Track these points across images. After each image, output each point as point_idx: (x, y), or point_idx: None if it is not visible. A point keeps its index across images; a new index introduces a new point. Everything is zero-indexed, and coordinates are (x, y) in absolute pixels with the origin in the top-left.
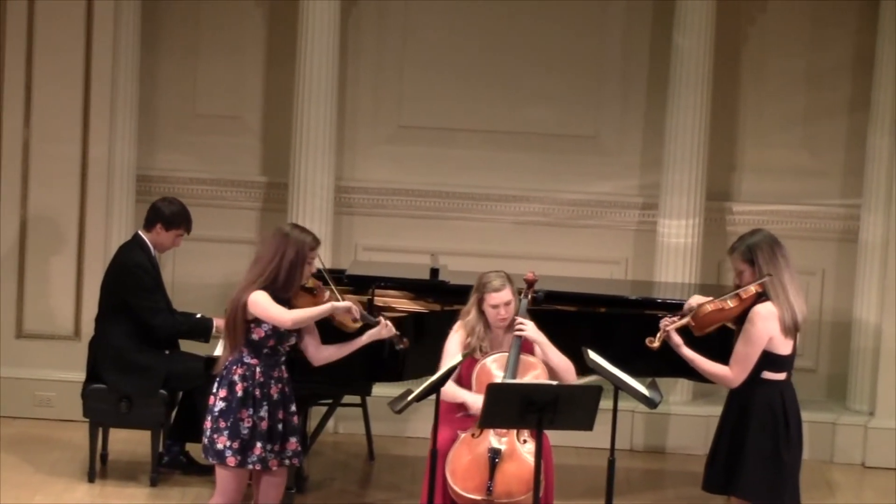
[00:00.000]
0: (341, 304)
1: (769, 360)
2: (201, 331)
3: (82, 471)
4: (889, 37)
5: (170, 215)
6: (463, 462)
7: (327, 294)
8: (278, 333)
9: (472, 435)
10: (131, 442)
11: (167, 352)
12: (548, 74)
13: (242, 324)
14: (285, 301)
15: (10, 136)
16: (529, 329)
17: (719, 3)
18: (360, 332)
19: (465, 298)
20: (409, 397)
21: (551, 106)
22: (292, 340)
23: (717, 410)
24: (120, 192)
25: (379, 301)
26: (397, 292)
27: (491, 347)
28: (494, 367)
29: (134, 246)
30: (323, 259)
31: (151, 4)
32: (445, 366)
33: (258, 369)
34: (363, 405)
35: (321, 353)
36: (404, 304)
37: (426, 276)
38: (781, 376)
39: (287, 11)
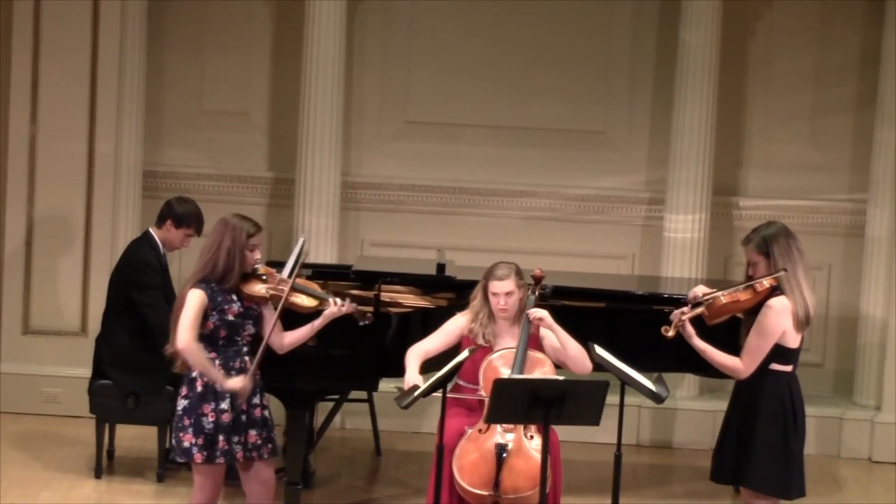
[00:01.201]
0: (229, 383)
1: (779, 352)
2: None
3: (89, 467)
4: (895, 33)
5: (181, 213)
6: (470, 458)
7: (278, 279)
8: (228, 323)
9: (479, 430)
10: (138, 438)
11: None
12: (555, 71)
13: None
14: (229, 291)
15: (16, 133)
16: (546, 316)
17: (726, 0)
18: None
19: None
20: (416, 393)
21: (559, 102)
22: (249, 329)
23: (723, 405)
24: (127, 188)
25: (386, 297)
26: (404, 288)
27: (494, 338)
28: (501, 364)
29: (143, 243)
30: (329, 255)
31: (158, 2)
32: (438, 337)
33: (217, 362)
34: (370, 401)
35: (282, 340)
36: (411, 300)
37: (433, 271)
38: (789, 368)
39: (293, 8)
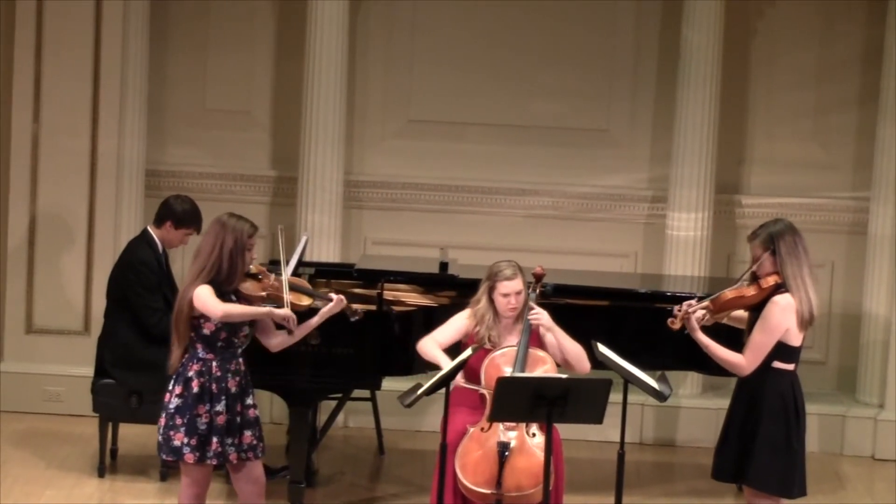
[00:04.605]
0: (279, 311)
1: (781, 350)
2: None
3: (92, 466)
4: None
5: (181, 213)
6: (473, 456)
7: (272, 278)
8: (229, 325)
9: (482, 429)
10: (141, 437)
11: None
12: (558, 69)
13: (188, 320)
14: (228, 292)
15: (19, 131)
16: (544, 317)
17: None
18: (314, 312)
19: (475, 292)
20: (419, 391)
21: (561, 100)
22: (246, 331)
23: (726, 403)
24: (129, 187)
25: (388, 295)
26: (407, 286)
27: (500, 338)
28: (503, 362)
29: (142, 242)
30: (331, 253)
31: (161, 2)
32: (446, 330)
33: (214, 364)
34: (373, 399)
35: (274, 340)
36: (414, 298)
37: (436, 269)
38: (791, 367)
39: (296, 6)
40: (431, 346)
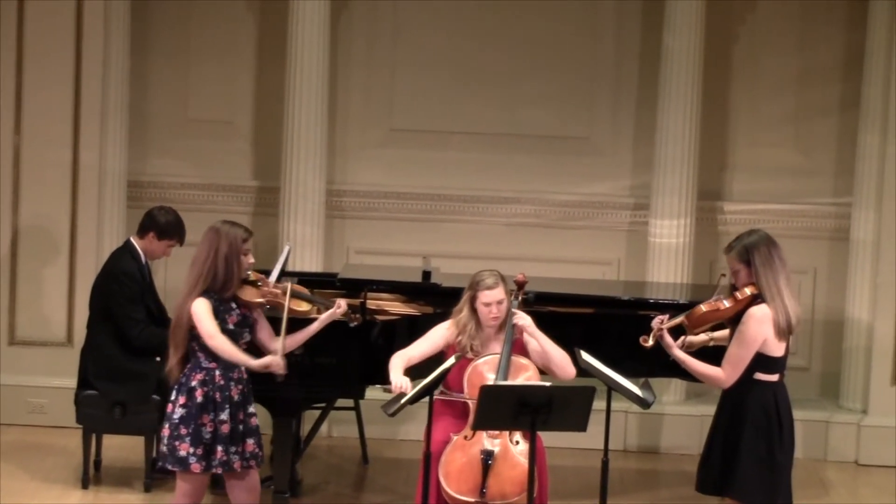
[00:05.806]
0: (255, 362)
1: (762, 361)
2: None
3: (76, 477)
4: (879, 35)
5: (164, 224)
6: (456, 464)
7: (271, 285)
8: (229, 332)
9: (465, 437)
10: (125, 448)
11: (158, 357)
12: (539, 76)
13: (187, 330)
14: (227, 299)
15: (1, 143)
16: (528, 321)
17: (709, 3)
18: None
19: (458, 301)
20: (403, 400)
21: (543, 107)
22: (246, 337)
23: (710, 410)
24: (111, 197)
25: (372, 304)
26: (390, 295)
27: (482, 347)
28: (486, 370)
29: (124, 253)
30: (314, 263)
31: (141, 6)
32: (422, 344)
33: (217, 372)
34: (356, 408)
35: (277, 345)
36: (397, 307)
37: (418, 278)
38: (774, 378)
39: (278, 12)
40: (396, 362)
